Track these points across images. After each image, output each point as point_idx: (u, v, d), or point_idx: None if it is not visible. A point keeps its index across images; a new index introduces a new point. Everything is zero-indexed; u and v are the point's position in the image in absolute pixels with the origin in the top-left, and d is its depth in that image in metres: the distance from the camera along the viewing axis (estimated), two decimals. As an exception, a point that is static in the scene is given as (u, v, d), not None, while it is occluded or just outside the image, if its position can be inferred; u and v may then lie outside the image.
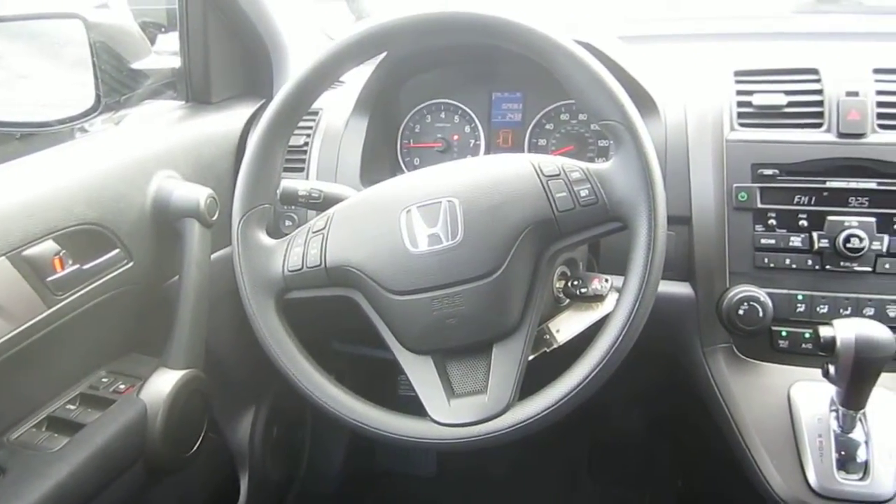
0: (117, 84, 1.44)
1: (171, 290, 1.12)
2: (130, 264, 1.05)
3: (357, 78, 1.26)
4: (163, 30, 1.66)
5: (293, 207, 1.19)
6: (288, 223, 1.23)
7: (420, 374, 0.85)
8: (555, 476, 1.82)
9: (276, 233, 1.03)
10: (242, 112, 1.34)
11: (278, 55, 1.38)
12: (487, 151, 1.30)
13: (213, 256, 1.14)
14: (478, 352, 0.84)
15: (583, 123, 1.25)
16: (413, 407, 0.86)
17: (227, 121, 1.31)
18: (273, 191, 0.96)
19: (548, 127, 1.27)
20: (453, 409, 0.83)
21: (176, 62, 1.36)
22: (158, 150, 1.15)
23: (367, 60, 0.96)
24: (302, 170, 1.24)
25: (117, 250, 1.03)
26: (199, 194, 1.09)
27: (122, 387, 1.05)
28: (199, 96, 1.34)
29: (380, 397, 0.92)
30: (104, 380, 1.07)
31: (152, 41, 1.59)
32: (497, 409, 0.81)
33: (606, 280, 0.91)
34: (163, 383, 1.04)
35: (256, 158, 0.93)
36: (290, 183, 1.03)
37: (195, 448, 1.11)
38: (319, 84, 0.93)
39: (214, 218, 1.11)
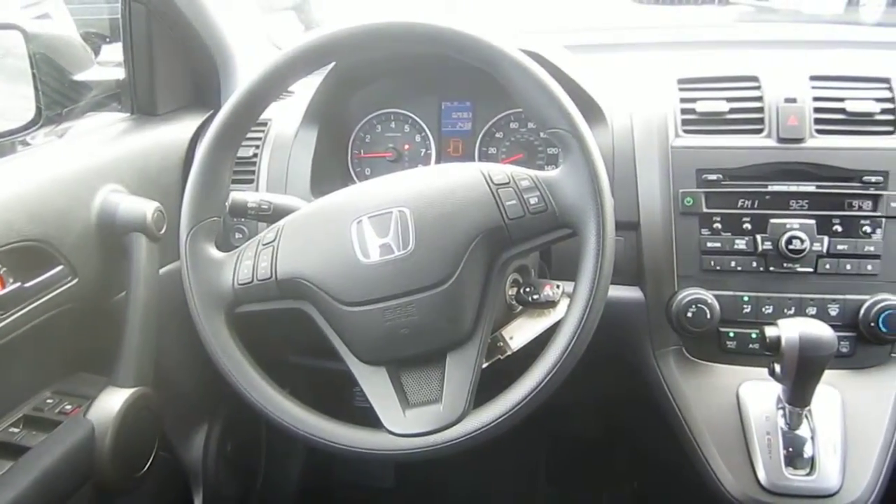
0: (59, 96, 1.41)
1: (119, 306, 1.09)
2: (75, 281, 1.03)
3: (306, 88, 1.25)
4: (107, 40, 1.63)
5: (243, 220, 1.18)
6: (238, 236, 1.21)
7: (374, 385, 0.85)
8: (512, 481, 1.83)
9: (225, 246, 1.02)
10: (189, 123, 1.32)
11: (225, 66, 1.36)
12: (438, 160, 1.30)
13: (161, 271, 1.12)
14: (431, 361, 0.84)
15: (532, 132, 1.26)
16: (369, 418, 0.85)
17: (174, 133, 1.29)
18: (221, 203, 0.95)
19: (497, 135, 1.28)
20: (408, 419, 0.83)
21: (120, 73, 1.33)
22: (103, 164, 1.12)
23: (315, 70, 0.95)
24: (251, 181, 1.23)
25: (61, 267, 1.01)
26: (145, 208, 1.07)
27: (69, 407, 1.03)
28: (144, 108, 1.32)
29: (336, 409, 0.91)
30: (49, 401, 1.04)
31: (96, 52, 1.56)
32: (452, 418, 0.81)
33: (558, 286, 0.92)
34: (111, 402, 1.02)
35: (204, 170, 0.91)
36: (239, 195, 1.02)
37: (146, 468, 1.09)
38: (268, 94, 0.92)
39: (162, 232, 1.09)
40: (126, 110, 1.34)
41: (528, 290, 0.92)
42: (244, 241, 0.94)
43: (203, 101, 1.40)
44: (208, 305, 0.89)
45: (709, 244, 1.07)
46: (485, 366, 0.88)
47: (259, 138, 1.25)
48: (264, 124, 1.27)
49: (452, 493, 1.81)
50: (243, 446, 1.58)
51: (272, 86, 0.91)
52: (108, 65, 1.48)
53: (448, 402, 0.82)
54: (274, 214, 1.01)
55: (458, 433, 0.81)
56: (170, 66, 1.34)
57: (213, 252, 0.92)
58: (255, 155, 1.24)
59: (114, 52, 1.41)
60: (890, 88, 1.09)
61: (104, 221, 1.07)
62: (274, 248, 0.88)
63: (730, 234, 1.07)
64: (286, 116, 1.27)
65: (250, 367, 0.89)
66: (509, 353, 0.92)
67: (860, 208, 1.05)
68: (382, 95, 1.31)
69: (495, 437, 0.82)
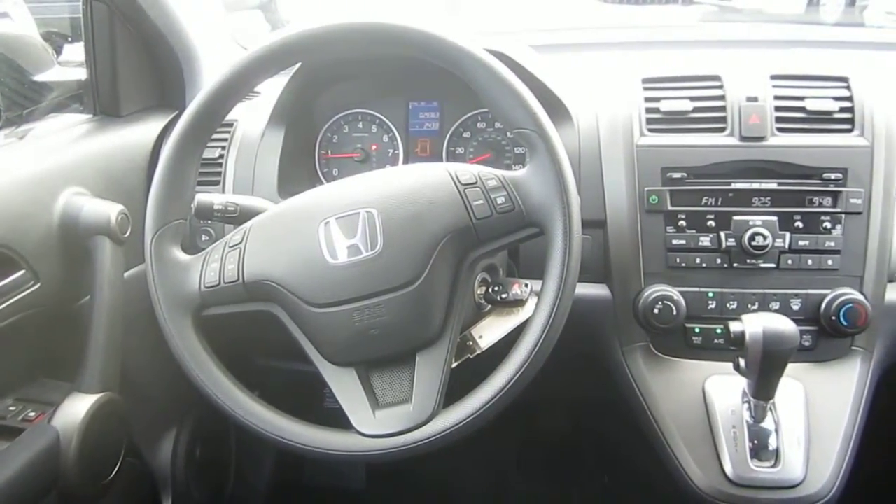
0: (19, 97, 1.38)
1: (83, 311, 1.08)
2: (37, 286, 1.01)
3: (273, 88, 1.25)
4: (69, 40, 1.60)
5: (209, 222, 1.17)
6: (204, 238, 1.20)
7: (343, 386, 0.85)
8: (484, 479, 1.84)
9: (192, 248, 1.01)
10: (154, 125, 1.30)
11: (190, 66, 1.35)
12: (406, 161, 1.30)
13: (126, 275, 1.10)
14: (401, 361, 0.84)
15: (499, 131, 1.27)
16: (340, 419, 0.85)
17: (138, 134, 1.27)
18: (187, 205, 0.94)
19: (465, 135, 1.28)
20: (378, 420, 0.83)
21: (82, 74, 1.31)
22: (65, 166, 1.10)
23: (282, 71, 0.95)
24: (217, 183, 1.22)
25: (23, 271, 0.99)
26: (109, 210, 1.06)
27: (32, 414, 1.01)
28: (107, 109, 1.30)
29: (306, 411, 0.91)
30: (11, 408, 1.02)
31: (58, 52, 1.53)
32: (422, 418, 0.82)
33: (526, 285, 0.93)
34: (76, 409, 1.00)
35: (169, 172, 0.91)
36: (204, 197, 1.01)
37: (113, 474, 1.07)
38: (233, 95, 0.91)
39: (126, 235, 1.08)
40: (88, 111, 1.32)
41: (496, 289, 0.93)
42: (211, 244, 0.93)
43: (168, 102, 1.38)
44: (174, 309, 0.88)
45: (674, 241, 1.08)
46: (454, 365, 0.88)
47: (225, 139, 1.24)
48: (230, 125, 1.26)
49: (424, 493, 1.81)
50: (212, 450, 1.57)
51: (238, 86, 0.91)
52: (70, 65, 1.45)
53: (418, 402, 0.82)
54: (241, 216, 1.00)
55: (428, 433, 0.82)
56: (133, 66, 1.32)
57: (179, 255, 0.91)
58: (222, 156, 1.23)
59: (76, 52, 1.38)
60: (848, 87, 1.11)
61: (67, 225, 1.05)
62: (241, 250, 0.88)
63: (694, 231, 1.08)
64: (252, 117, 1.26)
65: (218, 370, 0.89)
66: (479, 352, 0.93)
67: (820, 205, 1.07)
68: (350, 95, 1.31)
69: (466, 436, 0.82)
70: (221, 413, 0.88)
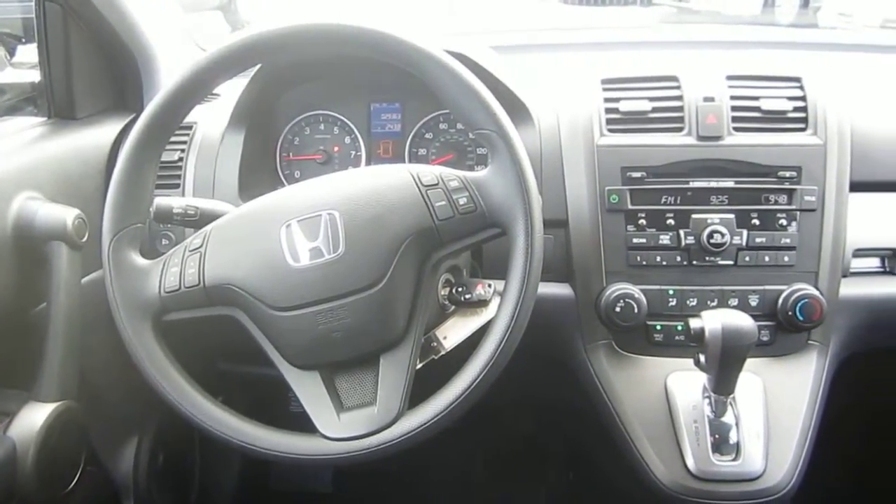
0: (-30, 100, 1.35)
1: (39, 318, 1.05)
2: None
3: (233, 90, 1.23)
4: (22, 41, 1.56)
5: (169, 226, 1.15)
6: (164, 242, 1.18)
7: (307, 389, 0.84)
8: (451, 480, 1.84)
9: (151, 253, 1.00)
10: (110, 127, 1.28)
11: (147, 67, 1.33)
12: (368, 162, 1.30)
13: (83, 280, 1.08)
14: (365, 364, 0.84)
15: (461, 132, 1.27)
16: (305, 423, 0.84)
17: (95, 137, 1.25)
18: (146, 209, 0.92)
19: (427, 136, 1.28)
20: (343, 422, 0.82)
21: (36, 76, 1.28)
22: (19, 170, 1.08)
23: (241, 72, 0.94)
24: (177, 186, 1.20)
25: (-25, 279, 0.97)
26: (65, 215, 1.03)
27: (-13, 425, 0.98)
28: (62, 112, 1.27)
29: (271, 415, 0.90)
30: (-35, 419, 0.99)
31: (10, 53, 1.50)
32: (387, 420, 0.81)
33: (490, 285, 0.93)
34: (33, 418, 0.98)
35: (126, 176, 0.89)
36: (163, 200, 0.99)
37: (73, 484, 1.05)
38: (192, 96, 0.90)
39: (84, 240, 1.06)
40: (43, 114, 1.28)
41: (460, 289, 0.93)
42: (171, 248, 0.92)
43: (125, 105, 1.36)
44: (134, 314, 0.87)
45: (634, 240, 1.10)
46: (419, 366, 0.88)
47: (184, 142, 1.22)
48: (189, 127, 1.24)
49: (391, 496, 1.81)
50: (176, 457, 1.54)
51: (197, 87, 0.90)
52: (24, 66, 1.42)
53: (382, 404, 0.82)
54: (201, 220, 0.99)
55: (393, 435, 0.82)
56: (89, 67, 1.29)
57: (138, 259, 0.90)
58: (181, 159, 1.21)
59: (29, 53, 1.35)
60: (801, 87, 1.14)
61: (21, 230, 1.02)
62: (201, 253, 0.87)
63: (654, 229, 1.10)
64: (212, 119, 1.25)
65: (179, 376, 0.88)
66: (443, 352, 0.93)
67: (776, 202, 1.09)
68: (311, 97, 1.30)
69: (431, 437, 0.83)
70: (184, 419, 0.87)
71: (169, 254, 0.90)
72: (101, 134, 1.26)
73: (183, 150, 1.22)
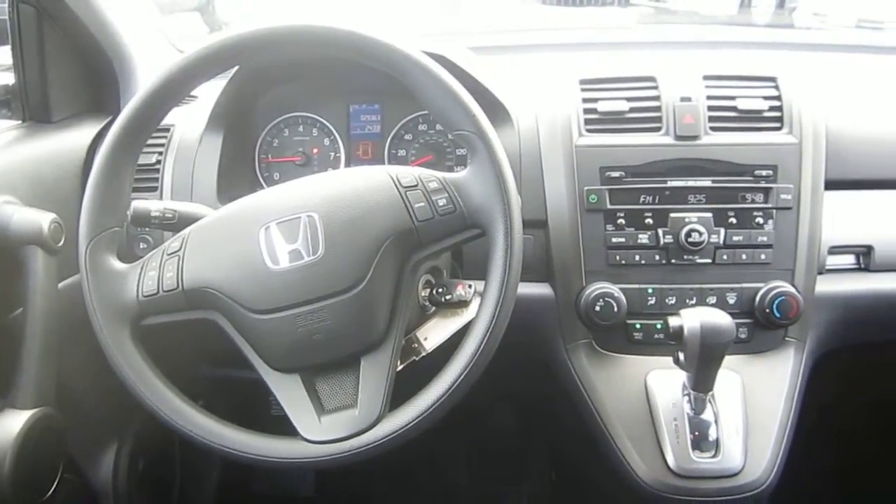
0: (-57, 104, 1.33)
1: (15, 323, 1.04)
2: None
3: (210, 92, 1.23)
4: (-5, 43, 1.54)
5: (147, 230, 1.14)
6: (142, 246, 1.17)
7: (288, 393, 0.84)
8: (433, 481, 1.84)
9: (129, 257, 0.99)
10: (87, 131, 1.27)
11: (124, 70, 1.31)
12: (348, 164, 1.29)
13: (60, 285, 1.07)
14: (346, 366, 0.84)
15: (440, 133, 1.27)
16: (286, 427, 0.84)
17: (71, 140, 1.24)
18: (123, 213, 0.92)
19: (406, 138, 1.28)
20: (324, 425, 0.82)
21: (10, 78, 1.27)
22: (-7, 174, 1.07)
23: (219, 74, 0.93)
24: (155, 189, 1.19)
25: (-51, 284, 0.95)
26: (41, 220, 1.02)
27: (-38, 433, 0.97)
28: (37, 115, 1.26)
29: (252, 419, 0.90)
30: (-60, 426, 0.98)
31: (-17, 56, 1.48)
32: (368, 422, 0.81)
33: (470, 286, 0.94)
34: (9, 425, 0.96)
35: (103, 179, 0.88)
36: (141, 204, 0.98)
37: (51, 492, 1.04)
38: (169, 98, 0.90)
39: (60, 244, 1.04)
40: (17, 117, 1.27)
41: (440, 290, 0.93)
42: (149, 252, 0.91)
43: (101, 107, 1.35)
44: (111, 319, 0.86)
45: (613, 239, 1.10)
46: (400, 368, 0.88)
47: (162, 144, 1.22)
48: (167, 130, 1.23)
49: (373, 498, 1.81)
50: (156, 463, 1.53)
51: (174, 89, 0.89)
52: (-3, 70, 1.40)
53: (364, 407, 0.82)
54: (179, 223, 0.98)
55: (374, 437, 0.81)
56: (64, 70, 1.28)
57: (115, 263, 0.89)
58: (158, 162, 1.20)
59: (3, 55, 1.34)
60: (776, 87, 1.15)
61: None
62: (180, 257, 0.86)
63: (633, 229, 1.10)
64: (190, 121, 1.24)
65: (159, 380, 0.87)
66: (424, 353, 0.93)
67: (753, 201, 1.10)
68: (289, 99, 1.29)
69: (412, 438, 0.83)
70: (163, 424, 0.86)
71: (147, 257, 0.89)
72: (77, 137, 1.25)
73: (160, 153, 1.21)
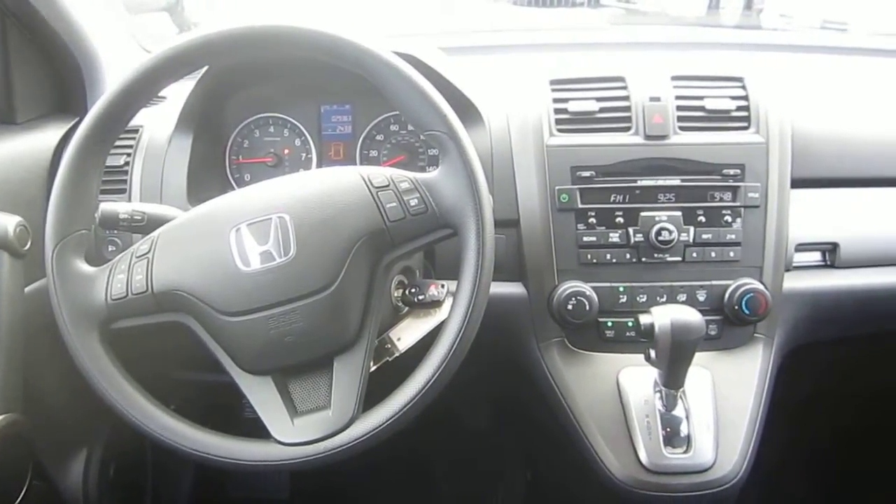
0: None
1: (-20, 329, 1.02)
2: None
3: (179, 93, 1.21)
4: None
5: (116, 232, 1.13)
6: (111, 249, 1.16)
7: (260, 395, 0.83)
8: (409, 482, 1.84)
9: (98, 260, 0.98)
10: (53, 132, 1.25)
11: (91, 70, 1.30)
12: (320, 165, 1.29)
13: (27, 289, 1.05)
14: (319, 367, 0.83)
15: (412, 134, 1.27)
16: (260, 429, 0.84)
17: (36, 142, 1.22)
18: (90, 215, 0.91)
19: (378, 138, 1.28)
20: (297, 427, 0.82)
21: (-27, 80, 1.25)
22: (-44, 177, 1.05)
23: (188, 75, 0.93)
24: (124, 192, 1.18)
25: (-88, 289, 0.93)
26: (6, 223, 1.00)
27: (-73, 440, 0.95)
28: (2, 116, 1.24)
29: (225, 423, 0.89)
30: None
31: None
32: (342, 423, 0.81)
33: (443, 286, 0.94)
34: (-25, 432, 0.95)
35: (69, 181, 0.87)
36: (109, 206, 0.97)
37: (20, 499, 1.02)
38: (137, 99, 0.89)
39: (26, 248, 1.03)
40: (-18, 119, 1.25)
41: (413, 290, 0.94)
42: (118, 254, 0.90)
43: (68, 108, 1.33)
44: (79, 323, 0.85)
45: (585, 238, 1.11)
46: (373, 369, 0.88)
47: (130, 146, 1.20)
48: (135, 131, 1.22)
49: (348, 500, 1.80)
50: (127, 468, 1.51)
51: (142, 90, 0.88)
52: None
53: (337, 408, 0.82)
54: (148, 225, 0.97)
55: (348, 438, 0.81)
56: (29, 71, 1.26)
57: (83, 267, 0.88)
58: (127, 163, 1.19)
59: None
60: (743, 87, 1.16)
61: None
62: (149, 259, 0.86)
63: (604, 227, 1.11)
64: (159, 122, 1.22)
65: (129, 385, 0.86)
66: (397, 354, 0.93)
67: (721, 199, 1.12)
68: (260, 99, 1.29)
69: (386, 438, 0.83)
70: (134, 429, 0.86)
71: (115, 260, 0.88)
72: (42, 139, 1.23)
73: (129, 155, 1.20)
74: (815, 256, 1.18)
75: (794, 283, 1.15)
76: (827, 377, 1.55)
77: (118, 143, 0.93)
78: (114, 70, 1.31)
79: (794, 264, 1.16)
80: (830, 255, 1.18)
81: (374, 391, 0.85)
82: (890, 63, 1.57)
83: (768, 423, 1.11)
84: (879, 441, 1.75)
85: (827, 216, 1.18)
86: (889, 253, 1.19)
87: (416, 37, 1.59)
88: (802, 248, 1.16)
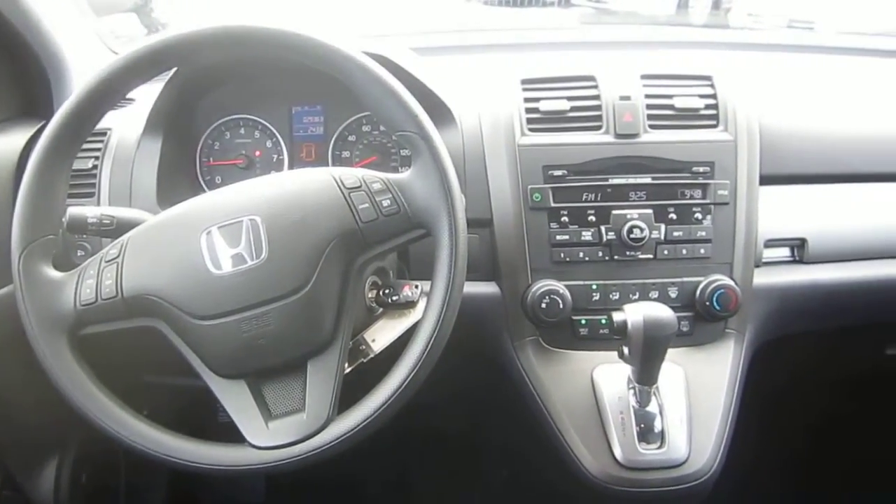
0: None
1: (-54, 337, 1.00)
2: None
3: (148, 95, 1.20)
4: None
5: (85, 237, 1.11)
6: (80, 253, 1.14)
7: (234, 399, 0.83)
8: (385, 482, 1.84)
9: (67, 265, 0.96)
10: (18, 136, 1.22)
11: (57, 72, 1.28)
12: (291, 166, 1.28)
13: (-7, 296, 1.04)
14: (292, 370, 0.83)
15: (384, 134, 1.27)
16: (234, 433, 0.83)
17: (1, 145, 1.19)
18: (58, 219, 0.90)
19: (350, 139, 1.28)
20: (272, 430, 0.81)
21: (-65, 83, 1.22)
22: (-82, 183, 1.02)
23: (157, 76, 0.92)
24: (92, 195, 1.16)
25: None
26: None
27: None
28: (-35, 120, 1.22)
29: (199, 428, 0.88)
30: None
31: None
32: (317, 426, 0.81)
33: (417, 286, 0.94)
34: (-59, 442, 0.93)
35: (35, 186, 0.86)
36: (77, 210, 0.96)
37: (-12, 509, 1.01)
38: (104, 101, 0.88)
39: None
40: (-56, 123, 1.23)
41: (387, 291, 0.94)
42: (87, 259, 0.89)
43: (34, 111, 1.30)
44: (48, 329, 0.84)
45: (558, 237, 1.12)
46: (348, 370, 0.88)
47: (98, 149, 1.18)
48: (103, 134, 1.20)
49: (325, 501, 1.79)
50: (100, 475, 1.49)
51: (109, 92, 0.87)
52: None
53: (311, 411, 0.81)
54: (117, 229, 0.96)
55: (323, 440, 0.81)
56: (-7, 73, 1.24)
57: (51, 272, 0.87)
58: (95, 167, 1.17)
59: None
60: (712, 85, 1.18)
61: None
62: (118, 264, 0.85)
63: (576, 226, 1.12)
64: (127, 125, 1.21)
65: (100, 391, 0.85)
66: (372, 355, 0.93)
67: (691, 197, 1.13)
68: (230, 101, 1.27)
69: (362, 440, 0.82)
70: (105, 436, 0.85)
71: (84, 265, 0.87)
72: (7, 142, 1.21)
73: (97, 158, 1.18)
74: (783, 252, 1.20)
75: (764, 278, 1.16)
76: (798, 370, 1.58)
77: (86, 145, 0.92)
78: (80, 72, 1.29)
79: (764, 260, 1.17)
80: (799, 251, 1.19)
81: (350, 393, 0.84)
82: (855, 61, 1.60)
83: (741, 417, 1.12)
84: (852, 432, 1.78)
85: (795, 212, 1.19)
86: (856, 248, 1.21)
87: (388, 37, 1.58)
88: (771, 243, 1.17)
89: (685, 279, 1.12)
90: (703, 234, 1.12)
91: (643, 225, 1.10)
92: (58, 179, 0.88)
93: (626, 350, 1.00)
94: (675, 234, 1.12)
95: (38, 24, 1.24)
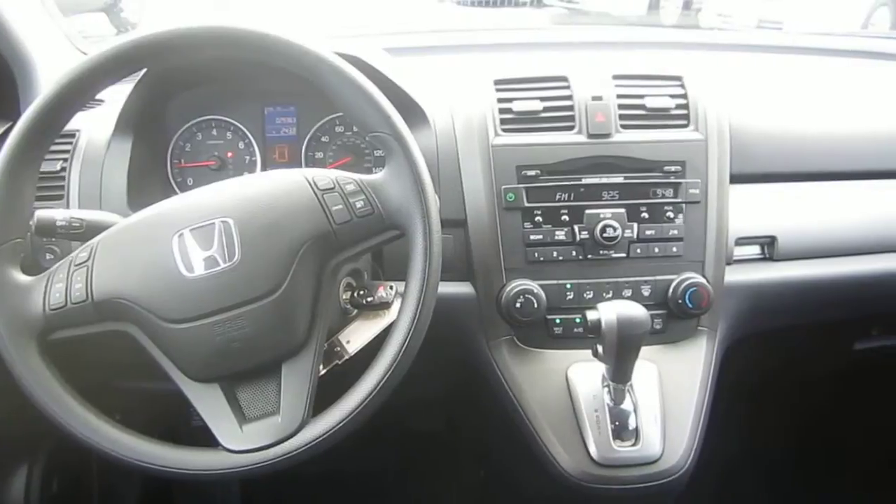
0: None
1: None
2: None
3: (118, 95, 1.18)
4: None
5: (54, 240, 1.10)
6: (49, 257, 1.12)
7: (207, 402, 0.82)
8: (362, 483, 1.83)
9: (35, 269, 0.95)
10: None
11: (23, 72, 1.25)
12: (264, 167, 1.27)
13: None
14: (266, 373, 0.82)
15: (358, 135, 1.26)
16: (208, 437, 0.82)
17: (-33, 148, 1.17)
18: (26, 223, 0.88)
19: (324, 140, 1.27)
20: (246, 434, 0.81)
21: None
22: None
23: (126, 77, 0.91)
24: (61, 198, 1.14)
25: None
26: None
27: None
28: (-72, 123, 1.19)
29: (172, 432, 0.88)
30: None
31: None
32: (291, 429, 0.81)
33: (391, 287, 0.94)
34: None
35: (2, 188, 0.85)
36: (45, 213, 0.94)
37: (-44, 518, 0.99)
38: (72, 103, 0.87)
39: None
40: None
41: (361, 293, 0.93)
42: (56, 263, 0.88)
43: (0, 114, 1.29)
44: (16, 334, 0.83)
45: (532, 237, 1.12)
46: (323, 372, 0.88)
47: (67, 151, 1.16)
48: (72, 135, 1.18)
49: (302, 498, 1.79)
50: (72, 482, 1.47)
51: (78, 93, 0.86)
52: None
53: (286, 413, 0.81)
54: (87, 232, 0.94)
55: (298, 443, 0.81)
56: (-44, 75, 1.22)
57: (19, 276, 0.85)
58: (64, 169, 1.15)
59: None
60: (682, 86, 1.19)
61: None
62: (88, 267, 0.84)
63: (550, 226, 1.12)
64: (97, 126, 1.19)
65: (70, 396, 0.84)
66: (347, 357, 0.93)
67: (663, 196, 1.14)
68: (202, 102, 1.26)
69: (338, 442, 0.82)
70: (76, 441, 0.84)
71: (53, 269, 0.86)
72: None
73: (66, 160, 1.16)
74: (754, 250, 1.21)
75: (735, 276, 1.18)
76: (770, 367, 1.60)
77: (54, 147, 0.91)
78: (48, 73, 1.27)
79: (735, 258, 1.18)
80: (769, 248, 1.21)
81: (325, 395, 0.84)
82: (823, 61, 1.62)
83: (717, 414, 1.14)
84: (826, 426, 1.81)
85: (765, 210, 1.21)
86: (825, 245, 1.23)
87: (360, 37, 1.58)
88: (742, 241, 1.19)
89: (658, 277, 1.13)
90: (675, 232, 1.13)
91: (616, 224, 1.11)
92: (25, 182, 0.86)
93: (600, 348, 1.00)
94: (648, 232, 1.13)
95: (2, 23, 1.22)
